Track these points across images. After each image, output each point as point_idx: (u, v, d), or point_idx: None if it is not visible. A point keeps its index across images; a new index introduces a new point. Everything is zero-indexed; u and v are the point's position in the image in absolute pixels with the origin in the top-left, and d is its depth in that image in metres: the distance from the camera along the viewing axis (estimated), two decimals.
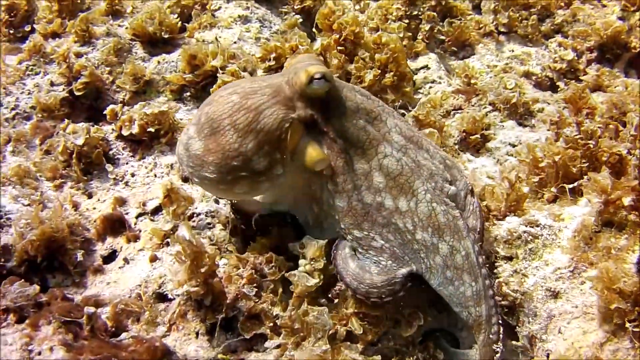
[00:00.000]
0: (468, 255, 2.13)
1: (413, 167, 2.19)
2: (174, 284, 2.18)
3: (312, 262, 2.19)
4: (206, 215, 2.52)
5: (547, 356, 2.23)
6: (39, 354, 2.08)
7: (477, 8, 3.87)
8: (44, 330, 2.15)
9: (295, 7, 3.51)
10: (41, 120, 2.99)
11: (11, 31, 3.49)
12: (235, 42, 3.09)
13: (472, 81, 3.24)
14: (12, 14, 3.49)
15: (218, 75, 2.83)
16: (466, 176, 2.40)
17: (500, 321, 2.13)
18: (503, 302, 2.40)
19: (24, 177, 2.76)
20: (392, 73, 2.76)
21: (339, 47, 2.75)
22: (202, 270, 2.12)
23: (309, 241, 2.20)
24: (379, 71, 2.73)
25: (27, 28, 3.48)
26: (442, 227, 2.13)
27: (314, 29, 3.07)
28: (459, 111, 3.13)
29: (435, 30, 3.53)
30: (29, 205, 2.68)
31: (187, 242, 2.09)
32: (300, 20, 3.33)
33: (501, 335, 2.12)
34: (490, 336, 2.10)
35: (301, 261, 2.19)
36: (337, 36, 2.74)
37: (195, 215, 2.52)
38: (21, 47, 3.37)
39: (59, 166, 2.80)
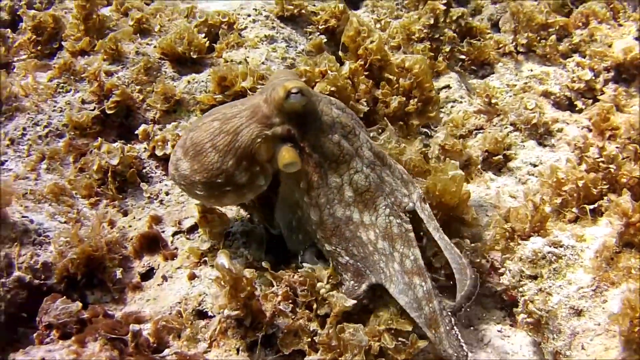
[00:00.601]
0: (416, 260, 2.26)
1: (378, 183, 2.35)
2: (215, 307, 2.26)
3: (330, 280, 2.30)
4: (241, 235, 2.60)
5: None
6: None
7: (495, 26, 3.95)
8: (90, 346, 2.22)
9: (320, 27, 3.60)
10: (73, 138, 3.06)
11: (38, 48, 3.56)
12: (263, 63, 3.17)
13: (493, 101, 3.33)
14: (38, 32, 3.57)
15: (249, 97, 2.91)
16: (417, 187, 2.52)
17: (449, 313, 2.24)
18: (528, 320, 2.50)
19: (60, 194, 2.83)
20: (416, 99, 2.83)
21: (365, 72, 2.83)
22: (242, 294, 2.19)
23: (313, 266, 2.32)
24: (404, 98, 2.81)
25: (55, 45, 3.56)
26: (395, 237, 2.30)
27: (340, 52, 3.14)
28: (481, 131, 3.22)
29: (456, 50, 3.62)
30: (65, 222, 2.75)
31: (227, 270, 2.16)
32: (325, 40, 3.42)
33: (453, 323, 2.23)
34: (447, 327, 2.21)
35: (319, 284, 2.29)
36: (363, 62, 2.81)
37: (230, 234, 2.60)
38: (50, 63, 3.45)
39: (94, 184, 2.87)
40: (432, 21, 3.46)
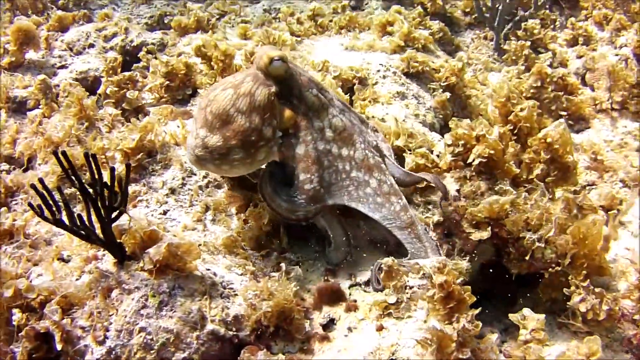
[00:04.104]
0: (392, 185, 2.87)
1: (349, 125, 2.90)
2: None
3: (532, 333, 2.57)
4: (419, 288, 2.82)
5: None
6: None
7: (582, 79, 4.29)
8: None
9: (442, 84, 3.85)
10: (231, 189, 3.21)
11: (168, 93, 3.68)
12: (404, 120, 3.39)
13: (599, 157, 3.66)
14: (170, 78, 3.68)
15: (405, 155, 3.13)
16: (375, 127, 3.22)
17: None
18: None
19: (232, 246, 2.98)
20: (556, 171, 3.12)
21: (514, 137, 3.10)
22: (447, 350, 2.43)
23: (530, 314, 2.57)
24: (546, 166, 3.10)
25: (188, 91, 3.68)
26: (372, 167, 2.87)
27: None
28: (593, 187, 3.55)
29: (558, 106, 3.94)
30: (242, 274, 2.91)
31: (439, 331, 2.40)
32: (448, 96, 3.67)
33: (427, 229, 2.92)
34: (422, 229, 2.87)
35: (522, 330, 2.59)
36: (512, 127, 3.09)
37: (408, 287, 2.82)
38: (188, 110, 3.57)
39: (262, 236, 3.03)
40: (539, 83, 3.77)
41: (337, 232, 2.96)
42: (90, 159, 2.51)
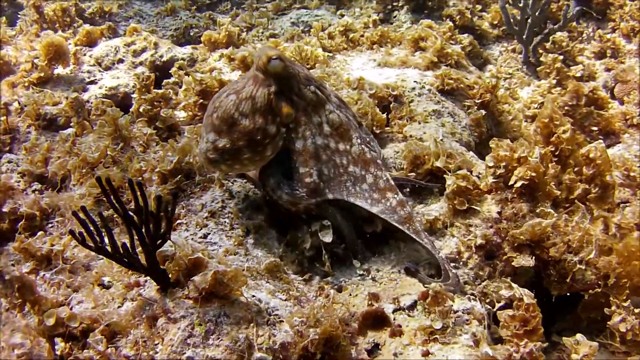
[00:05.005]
0: (388, 180, 2.96)
1: (346, 121, 3.03)
2: None
3: (583, 359, 2.59)
4: (463, 312, 2.82)
5: None
6: None
7: (611, 93, 4.28)
8: None
9: (477, 101, 3.84)
10: (272, 211, 3.19)
11: (202, 112, 3.66)
12: (442, 140, 3.38)
13: (632, 174, 3.66)
14: (203, 96, 3.66)
15: (445, 176, 3.12)
16: (361, 122, 3.33)
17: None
18: None
19: (275, 271, 2.97)
20: (597, 188, 3.12)
21: (554, 159, 3.10)
22: None
23: (583, 340, 2.61)
24: (587, 186, 3.10)
25: None
26: (368, 161, 2.98)
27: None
28: (627, 204, 3.53)
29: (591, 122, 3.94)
30: (286, 300, 2.90)
31: (491, 357, 2.42)
32: (483, 113, 3.66)
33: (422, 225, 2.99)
34: (420, 224, 2.94)
35: (573, 355, 2.61)
36: (554, 148, 3.09)
37: (453, 312, 2.82)
38: None
39: (305, 260, 3.03)
40: (574, 101, 3.76)
41: (344, 224, 3.05)
42: (135, 186, 2.49)
